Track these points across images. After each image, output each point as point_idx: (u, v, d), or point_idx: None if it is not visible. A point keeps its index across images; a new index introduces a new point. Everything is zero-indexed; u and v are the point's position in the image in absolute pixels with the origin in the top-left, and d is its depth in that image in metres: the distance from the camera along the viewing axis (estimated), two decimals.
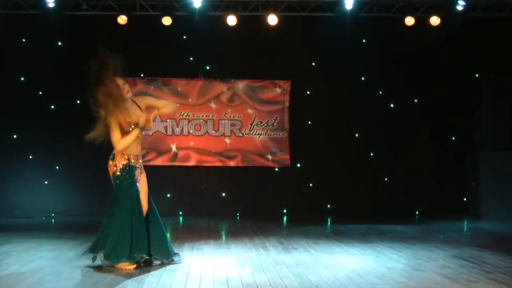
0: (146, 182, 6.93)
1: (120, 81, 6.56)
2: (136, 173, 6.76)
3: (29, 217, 12.08)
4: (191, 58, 12.65)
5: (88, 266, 6.70)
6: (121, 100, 6.48)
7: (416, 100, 13.08)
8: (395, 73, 12.84)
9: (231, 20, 11.77)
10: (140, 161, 6.87)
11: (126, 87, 6.63)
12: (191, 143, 12.79)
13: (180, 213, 12.56)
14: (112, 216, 6.57)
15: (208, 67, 12.81)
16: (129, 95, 6.65)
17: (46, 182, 12.40)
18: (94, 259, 6.70)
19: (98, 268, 6.58)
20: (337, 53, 12.58)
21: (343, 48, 12.53)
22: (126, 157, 6.62)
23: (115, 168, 6.57)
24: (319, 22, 12.31)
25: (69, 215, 12.32)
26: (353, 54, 12.61)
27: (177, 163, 12.71)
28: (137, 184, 6.76)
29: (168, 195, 12.55)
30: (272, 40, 12.30)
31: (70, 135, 11.76)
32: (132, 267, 6.51)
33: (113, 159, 6.61)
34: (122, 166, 6.58)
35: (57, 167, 12.50)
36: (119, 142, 6.55)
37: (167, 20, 11.73)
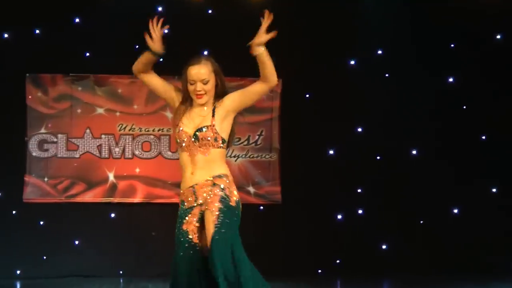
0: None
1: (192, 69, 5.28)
2: None
3: None
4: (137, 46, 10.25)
5: None
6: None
7: None
8: None
9: None
10: None
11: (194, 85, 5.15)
12: (137, 170, 10.61)
13: (121, 272, 10.24)
14: (235, 249, 5.20)
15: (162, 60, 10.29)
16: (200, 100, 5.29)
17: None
18: None
19: None
20: (340, 32, 10.46)
21: (345, 22, 10.46)
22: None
23: (236, 194, 5.49)
24: None
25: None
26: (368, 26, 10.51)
27: (116, 199, 10.53)
28: None
29: (104, 246, 10.32)
30: (251, 20, 9.81)
31: None
32: None
33: (229, 182, 5.38)
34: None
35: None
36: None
37: None
